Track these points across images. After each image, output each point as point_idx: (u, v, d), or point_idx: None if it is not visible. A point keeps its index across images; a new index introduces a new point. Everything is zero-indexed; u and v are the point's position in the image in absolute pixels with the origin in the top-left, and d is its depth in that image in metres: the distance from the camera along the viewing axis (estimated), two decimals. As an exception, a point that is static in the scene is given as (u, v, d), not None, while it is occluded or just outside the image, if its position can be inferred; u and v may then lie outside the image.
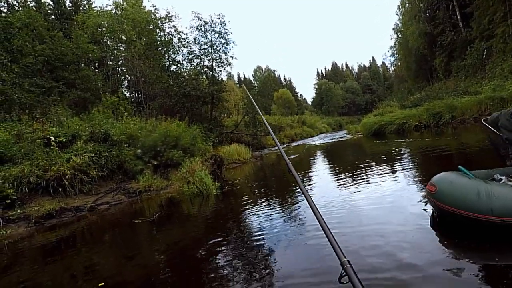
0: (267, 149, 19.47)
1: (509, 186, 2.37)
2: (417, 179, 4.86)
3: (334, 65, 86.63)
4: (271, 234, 3.38)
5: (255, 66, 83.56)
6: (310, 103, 78.22)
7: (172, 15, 17.57)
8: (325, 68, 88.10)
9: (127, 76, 22.66)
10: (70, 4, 24.73)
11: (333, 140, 18.93)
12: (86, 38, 17.43)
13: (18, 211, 5.87)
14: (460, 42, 22.82)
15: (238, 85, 64.61)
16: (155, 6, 24.24)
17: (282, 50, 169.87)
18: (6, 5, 17.65)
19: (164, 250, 3.51)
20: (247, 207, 4.96)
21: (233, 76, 71.09)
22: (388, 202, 3.77)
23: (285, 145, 21.94)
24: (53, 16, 23.58)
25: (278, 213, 4.22)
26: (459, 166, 2.83)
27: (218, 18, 17.07)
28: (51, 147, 7.20)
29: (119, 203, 7.21)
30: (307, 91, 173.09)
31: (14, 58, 12.36)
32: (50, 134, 7.56)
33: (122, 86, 23.46)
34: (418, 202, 3.45)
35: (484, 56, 19.38)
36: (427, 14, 27.20)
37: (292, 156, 11.50)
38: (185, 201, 6.30)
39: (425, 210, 3.14)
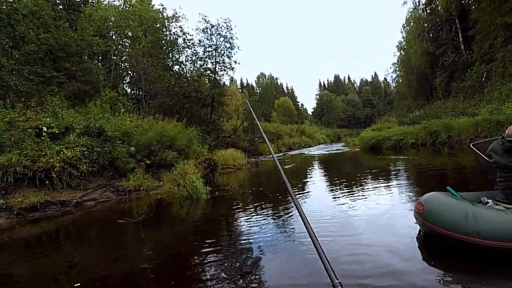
0: (264, 156, 19.40)
1: (496, 209, 2.40)
2: (408, 196, 4.84)
3: (337, 77, 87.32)
4: (258, 243, 3.30)
5: (258, 73, 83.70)
6: (310, 113, 78.47)
7: (180, 16, 17.61)
8: (328, 80, 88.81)
9: (129, 72, 22.62)
10: (79, -4, 24.78)
11: (330, 152, 18.91)
12: (91, 31, 17.39)
13: (1, 201, 5.72)
14: (461, 63, 23.06)
15: (240, 90, 64.89)
16: (163, 5, 24.27)
17: (287, 58, 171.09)
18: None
19: (147, 253, 3.40)
20: (236, 214, 4.87)
21: (236, 80, 71.32)
22: (377, 219, 3.73)
23: (282, 153, 21.89)
24: (61, 6, 23.61)
25: (268, 223, 4.12)
26: (448, 187, 2.89)
27: (225, 22, 17.17)
28: (43, 138, 7.07)
29: (106, 201, 7.08)
30: (308, 101, 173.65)
31: (16, 44, 12.26)
32: (43, 124, 7.44)
33: (124, 82, 23.42)
34: (408, 220, 3.40)
35: (483, 79, 19.56)
36: (431, 34, 27.50)
37: (287, 166, 11.40)
38: (174, 204, 6.18)
39: (413, 228, 3.09)
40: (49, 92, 12.78)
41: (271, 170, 11.83)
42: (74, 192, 7.04)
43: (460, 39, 24.05)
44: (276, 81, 73.24)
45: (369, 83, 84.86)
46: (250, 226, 4.00)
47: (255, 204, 5.45)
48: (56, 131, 7.50)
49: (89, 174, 7.62)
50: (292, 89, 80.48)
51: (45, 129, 7.27)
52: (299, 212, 1.38)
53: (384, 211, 4.03)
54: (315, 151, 22.17)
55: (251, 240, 3.43)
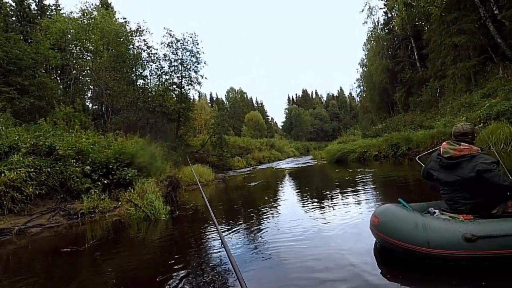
0: (233, 171, 19.14)
1: (442, 219, 2.50)
2: (369, 208, 4.87)
3: (305, 92, 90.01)
4: (216, 265, 3.08)
5: (228, 87, 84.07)
6: (280, 127, 79.72)
7: (143, 30, 17.23)
8: (296, 94, 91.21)
9: (90, 86, 21.63)
10: (36, 8, 23.61)
11: (297, 165, 19.06)
12: (47, 44, 16.49)
13: None
14: (418, 79, 24.73)
15: (210, 104, 64.57)
16: (125, 18, 23.79)
17: (257, 73, 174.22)
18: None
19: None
20: (195, 235, 4.59)
21: (205, 95, 71.16)
22: (335, 231, 3.79)
23: (251, 167, 21.74)
24: (14, 18, 22.28)
25: (228, 240, 3.90)
26: (399, 199, 2.99)
27: (191, 37, 17.05)
28: (-20, 159, 6.37)
29: (55, 226, 6.45)
30: (278, 115, 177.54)
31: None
32: (-20, 144, 6.74)
33: (85, 96, 22.31)
34: (365, 232, 3.39)
35: (437, 94, 21.03)
36: (389, 52, 29.36)
37: (253, 183, 11.07)
38: (131, 226, 5.75)
39: (369, 240, 3.09)
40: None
41: (238, 185, 11.61)
42: (18, 218, 6.35)
43: (416, 57, 25.89)
44: (245, 95, 74.00)
45: (335, 97, 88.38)
46: (210, 247, 3.78)
47: (213, 225, 5.19)
48: (-3, 151, 6.80)
49: (37, 197, 6.95)
50: (261, 103, 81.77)
51: (-17, 149, 6.57)
52: (220, 237, 1.27)
53: (342, 223, 4.07)
54: (284, 164, 22.29)
55: (210, 261, 3.25)
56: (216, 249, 3.74)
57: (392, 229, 2.55)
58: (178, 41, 16.60)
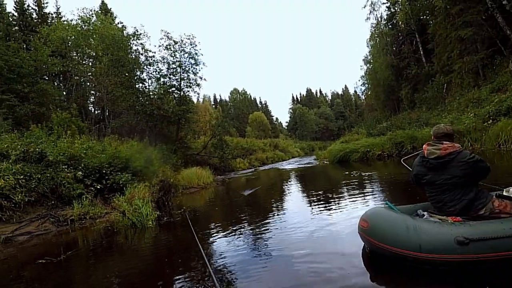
0: (235, 172, 18.93)
1: (432, 222, 2.44)
2: (362, 210, 4.60)
3: (309, 91, 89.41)
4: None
5: (232, 88, 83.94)
6: (285, 127, 79.30)
7: (141, 33, 17.17)
8: (300, 94, 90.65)
9: (92, 92, 21.76)
10: (37, 16, 23.90)
11: (299, 166, 18.73)
12: (47, 51, 16.59)
13: None
14: (423, 75, 24.10)
15: (214, 106, 64.63)
16: (122, 22, 23.91)
17: (260, 73, 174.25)
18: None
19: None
20: (176, 245, 4.38)
21: (209, 97, 71.34)
22: (329, 234, 3.76)
23: (254, 169, 21.49)
24: (16, 27, 22.60)
25: (216, 251, 3.69)
26: (386, 201, 2.97)
27: (188, 39, 16.90)
28: (-33, 167, 6.29)
29: (44, 233, 6.31)
30: (283, 115, 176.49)
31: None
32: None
33: (88, 101, 22.49)
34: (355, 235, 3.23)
35: (444, 90, 20.44)
36: (394, 48, 28.76)
37: (247, 191, 10.46)
38: (117, 234, 5.56)
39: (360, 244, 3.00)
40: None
41: (237, 188, 11.37)
42: (5, 226, 6.22)
43: (421, 52, 25.23)
44: (249, 96, 73.81)
45: (340, 95, 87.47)
46: (190, 257, 3.55)
47: (205, 231, 4.97)
48: (-14, 159, 6.72)
49: (26, 204, 6.83)
50: (266, 104, 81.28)
51: (-30, 157, 6.48)
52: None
53: (339, 227, 4.00)
54: (287, 165, 21.95)
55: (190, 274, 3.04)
56: (196, 260, 3.52)
57: (382, 233, 2.47)
58: (176, 43, 16.48)
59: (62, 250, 4.50)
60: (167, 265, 3.59)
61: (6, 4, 22.65)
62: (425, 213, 2.72)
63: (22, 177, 6.83)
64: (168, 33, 16.56)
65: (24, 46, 19.85)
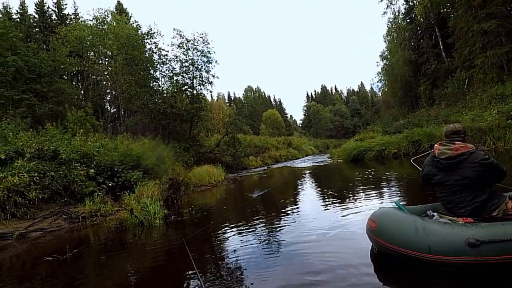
0: (247, 170, 18.87)
1: (443, 223, 2.37)
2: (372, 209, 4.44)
3: (324, 88, 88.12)
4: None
5: (246, 86, 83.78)
6: (299, 125, 78.54)
7: (154, 32, 17.34)
8: (315, 91, 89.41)
9: (108, 90, 22.23)
10: (56, 18, 24.60)
11: (312, 164, 18.46)
12: (65, 51, 17.03)
13: None
14: (443, 71, 23.17)
15: (228, 103, 64.83)
16: (137, 22, 24.22)
17: (275, 71, 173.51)
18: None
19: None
20: (184, 245, 4.33)
21: (223, 95, 71.56)
22: (339, 233, 3.71)
23: (266, 167, 21.36)
24: (37, 29, 23.36)
25: (218, 255, 3.61)
26: (395, 202, 2.92)
27: (201, 37, 16.94)
28: (-16, 165, 6.50)
29: (57, 230, 6.45)
30: (297, 112, 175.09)
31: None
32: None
33: (105, 100, 23.00)
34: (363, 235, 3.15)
35: (465, 86, 19.56)
36: (412, 43, 27.80)
37: (256, 194, 10.11)
38: (126, 231, 5.60)
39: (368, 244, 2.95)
40: (19, 115, 12.30)
41: (248, 186, 11.29)
42: (20, 222, 6.41)
43: (441, 47, 24.25)
44: (263, 93, 73.49)
45: (356, 92, 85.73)
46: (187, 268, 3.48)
47: (211, 231, 4.90)
48: (2, 157, 6.92)
49: (40, 201, 7.02)
50: (280, 101, 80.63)
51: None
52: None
53: (348, 227, 3.95)
54: (300, 163, 21.67)
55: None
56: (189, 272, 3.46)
57: (391, 234, 2.42)
58: (188, 41, 16.55)
59: (70, 247, 4.55)
60: (164, 267, 3.54)
61: (28, 6, 23.50)
62: (435, 213, 2.65)
63: (36, 174, 7.02)
64: (180, 31, 16.68)
65: (44, 46, 20.51)
